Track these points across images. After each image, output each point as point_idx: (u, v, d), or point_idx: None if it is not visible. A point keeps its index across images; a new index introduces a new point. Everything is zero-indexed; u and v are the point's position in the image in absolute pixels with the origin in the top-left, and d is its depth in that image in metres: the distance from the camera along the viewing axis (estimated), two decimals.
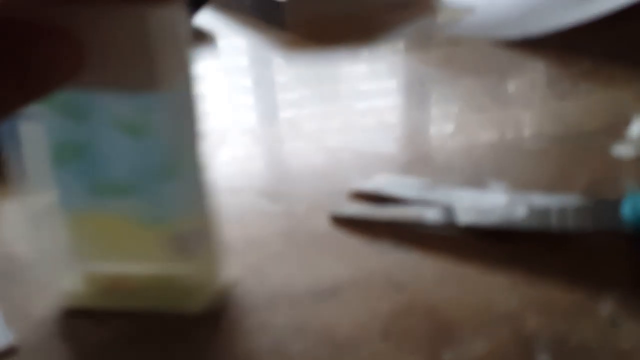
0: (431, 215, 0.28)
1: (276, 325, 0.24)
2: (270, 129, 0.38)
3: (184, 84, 0.21)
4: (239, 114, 0.40)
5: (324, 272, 0.26)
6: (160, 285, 0.24)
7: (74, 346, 0.23)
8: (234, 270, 0.26)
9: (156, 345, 0.23)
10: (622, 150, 0.33)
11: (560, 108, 0.38)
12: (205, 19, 0.57)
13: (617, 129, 0.35)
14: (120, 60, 0.18)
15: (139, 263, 0.24)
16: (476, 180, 0.31)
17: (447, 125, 0.37)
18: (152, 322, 0.24)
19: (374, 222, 0.29)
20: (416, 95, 0.41)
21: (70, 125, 0.21)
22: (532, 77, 0.43)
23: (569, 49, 0.46)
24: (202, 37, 0.53)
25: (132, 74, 0.19)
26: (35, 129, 0.21)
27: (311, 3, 0.53)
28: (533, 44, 0.47)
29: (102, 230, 0.23)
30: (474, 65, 0.45)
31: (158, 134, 0.21)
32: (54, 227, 0.23)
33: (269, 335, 0.23)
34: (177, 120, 0.21)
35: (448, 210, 0.28)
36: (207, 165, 0.23)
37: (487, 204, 0.28)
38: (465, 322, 0.23)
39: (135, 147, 0.21)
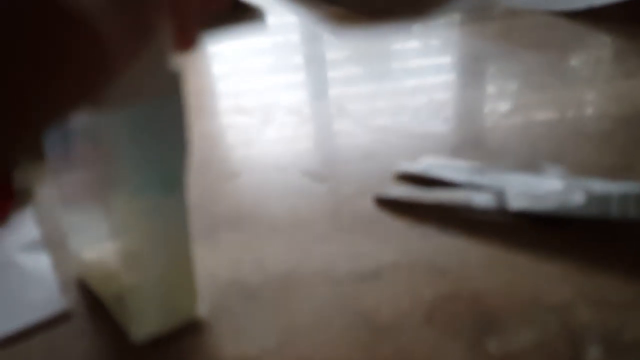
0: (480, 199, 0.27)
1: (317, 302, 0.24)
2: (318, 107, 0.37)
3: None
4: (286, 92, 0.39)
5: (367, 254, 0.26)
6: (122, 300, 0.22)
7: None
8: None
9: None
10: None
11: (626, 87, 0.36)
12: None
13: None
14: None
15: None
16: (531, 163, 0.30)
17: (502, 104, 0.35)
18: None
19: (420, 205, 0.28)
20: (471, 71, 0.40)
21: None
22: (596, 52, 0.40)
23: (636, 21, 0.43)
24: (250, 13, 0.52)
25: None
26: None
27: None
28: (597, 16, 0.44)
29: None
30: (534, 40, 0.42)
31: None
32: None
33: (309, 311, 0.23)
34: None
35: (499, 194, 0.27)
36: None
37: (541, 189, 0.27)
38: (511, 311, 0.23)
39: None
